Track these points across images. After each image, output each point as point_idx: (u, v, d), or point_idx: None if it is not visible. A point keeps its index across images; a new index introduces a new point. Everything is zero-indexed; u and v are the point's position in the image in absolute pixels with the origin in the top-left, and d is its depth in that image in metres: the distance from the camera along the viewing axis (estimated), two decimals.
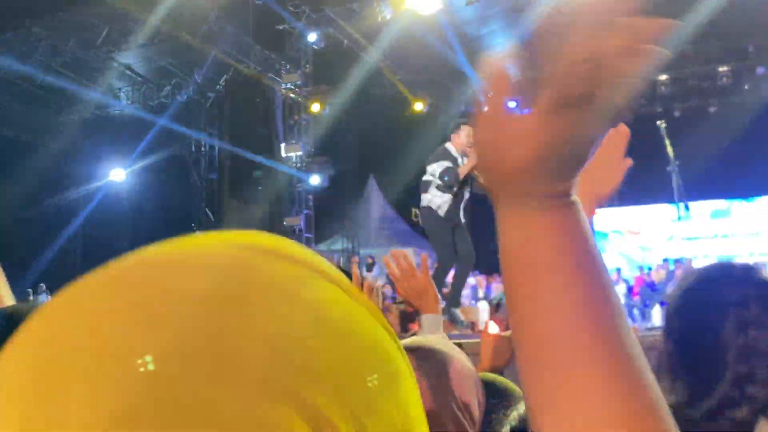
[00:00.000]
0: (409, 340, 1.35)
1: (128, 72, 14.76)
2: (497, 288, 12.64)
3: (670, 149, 5.83)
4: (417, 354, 1.24)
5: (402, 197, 17.87)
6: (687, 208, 5.91)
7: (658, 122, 6.03)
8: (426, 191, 6.50)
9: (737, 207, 17.45)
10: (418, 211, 6.70)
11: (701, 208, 16.93)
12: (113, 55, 14.15)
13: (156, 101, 16.01)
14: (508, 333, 2.08)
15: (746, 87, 16.63)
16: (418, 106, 17.83)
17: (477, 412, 1.22)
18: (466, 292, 15.71)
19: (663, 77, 16.35)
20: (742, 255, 16.31)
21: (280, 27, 15.29)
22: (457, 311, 6.86)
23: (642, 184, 15.08)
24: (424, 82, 17.20)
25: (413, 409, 0.42)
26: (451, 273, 6.67)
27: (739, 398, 1.22)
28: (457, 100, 17.84)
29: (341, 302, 0.42)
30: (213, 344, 0.36)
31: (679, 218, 5.89)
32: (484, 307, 12.95)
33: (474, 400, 1.22)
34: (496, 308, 11.97)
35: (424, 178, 6.57)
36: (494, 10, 14.54)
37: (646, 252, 17.29)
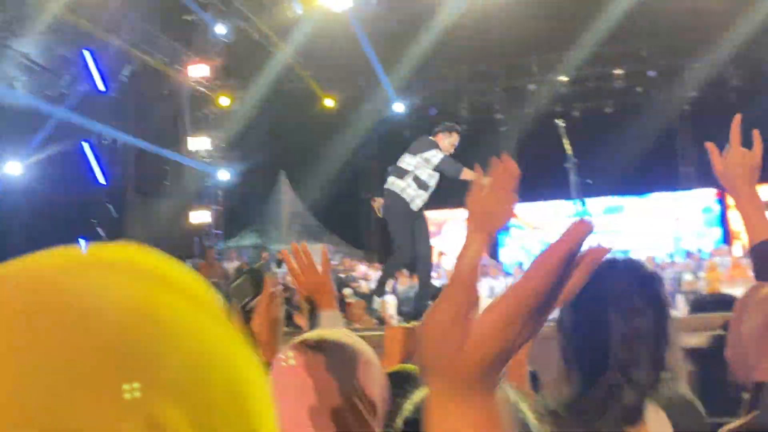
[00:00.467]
0: (314, 333, 1.35)
1: (25, 61, 14.01)
2: (404, 282, 12.90)
3: (568, 147, 6.14)
4: (321, 348, 1.23)
5: (313, 193, 17.87)
6: (584, 203, 6.20)
7: (557, 120, 6.32)
8: (400, 177, 6.24)
9: (630, 203, 18.43)
10: (378, 199, 6.42)
11: (596, 204, 17.86)
12: (8, 42, 13.40)
13: (55, 91, 15.27)
14: (413, 324, 2.18)
15: (639, 90, 17.64)
16: (329, 103, 17.86)
17: (381, 407, 1.21)
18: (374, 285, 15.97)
19: (563, 78, 17.06)
20: (635, 250, 17.30)
21: (188, 17, 14.95)
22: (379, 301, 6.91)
23: (543, 181, 15.82)
24: (335, 79, 17.26)
25: (262, 419, 0.43)
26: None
27: (625, 383, 1.29)
28: (368, 97, 17.98)
29: (188, 314, 0.42)
30: (59, 360, 0.36)
31: (577, 214, 6.17)
32: (391, 301, 13.18)
33: (379, 394, 1.21)
34: (401, 303, 12.19)
35: (403, 165, 6.30)
36: (404, 10, 14.77)
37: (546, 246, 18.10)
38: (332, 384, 1.16)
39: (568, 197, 6.25)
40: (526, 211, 18.65)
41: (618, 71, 17.01)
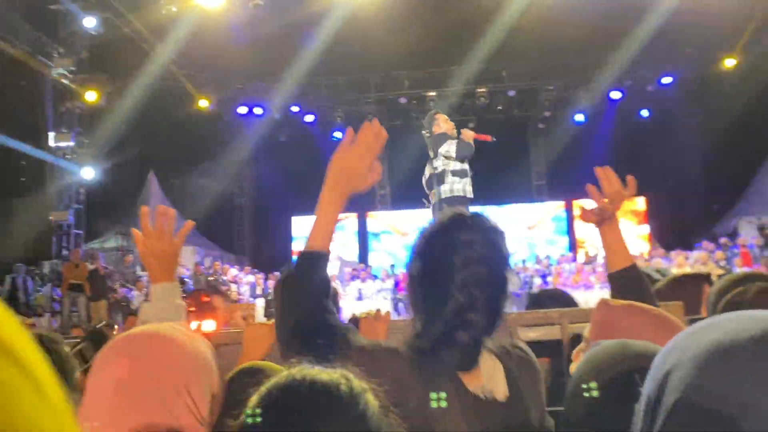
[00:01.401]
0: (142, 328, 1.29)
1: None
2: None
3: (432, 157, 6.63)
4: (142, 341, 1.20)
5: (184, 194, 17.54)
6: (429, 207, 6.60)
7: (423, 132, 6.79)
8: (442, 182, 6.20)
9: (489, 212, 19.56)
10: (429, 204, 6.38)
11: None
12: None
13: None
14: (270, 322, 2.12)
15: (499, 107, 18.82)
16: (203, 103, 17.65)
17: (205, 401, 1.17)
18: (244, 288, 15.95)
19: (431, 93, 17.89)
20: None
21: (54, 7, 14.32)
22: None
23: (411, 190, 16.49)
24: (210, 80, 17.10)
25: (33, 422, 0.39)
26: None
27: (461, 325, 1.34)
28: (244, 100, 17.96)
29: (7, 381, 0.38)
30: None
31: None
32: (261, 304, 13.28)
33: (200, 388, 1.17)
34: (268, 304, 12.27)
35: (436, 171, 6.27)
36: (282, 13, 14.93)
37: None
38: (151, 378, 1.13)
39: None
40: (395, 219, 19.34)
41: (481, 89, 17.97)
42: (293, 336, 1.44)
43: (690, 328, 0.66)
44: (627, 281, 1.87)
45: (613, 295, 1.84)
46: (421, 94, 18.20)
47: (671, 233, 17.62)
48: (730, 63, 15.84)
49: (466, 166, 6.29)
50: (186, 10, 13.01)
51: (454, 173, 6.24)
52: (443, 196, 6.14)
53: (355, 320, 2.48)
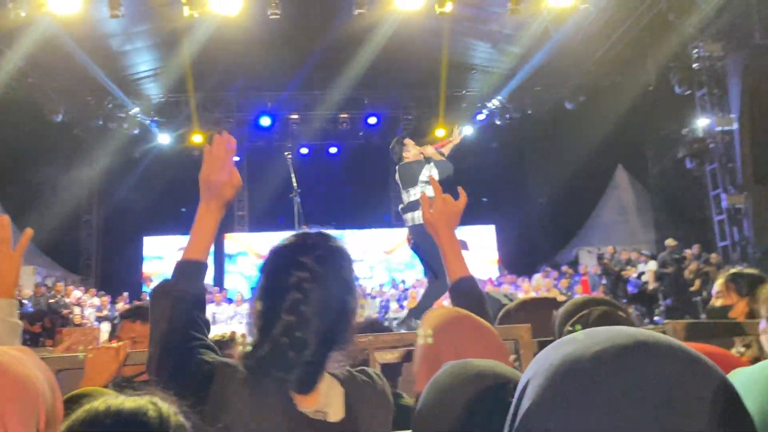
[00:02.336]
0: None
1: None
2: (120, 309, 12.43)
3: (293, 179, 6.63)
4: None
5: (24, 211, 16.21)
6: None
7: (286, 153, 6.78)
8: (415, 210, 5.99)
9: (349, 236, 19.74)
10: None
11: None
12: None
13: None
14: (115, 345, 2.10)
15: (361, 133, 19.18)
16: (53, 116, 16.48)
17: (26, 430, 1.07)
18: (89, 311, 14.96)
19: (294, 116, 17.89)
20: None
21: None
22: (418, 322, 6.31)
23: (270, 211, 16.40)
24: (62, 90, 16.01)
25: None
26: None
27: (289, 344, 1.35)
28: (94, 112, 17.00)
29: None
30: None
31: None
32: (106, 328, 12.57)
33: (18, 416, 1.06)
34: (114, 328, 11.68)
35: (410, 198, 6.07)
36: (140, 29, 14.38)
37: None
38: None
39: (293, 227, 6.66)
40: (253, 241, 19.02)
41: (344, 115, 18.22)
42: (161, 350, 1.42)
43: (553, 343, 0.70)
44: (462, 292, 1.94)
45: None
46: (283, 116, 18.14)
47: (518, 260, 18.66)
48: (573, 103, 17.12)
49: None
50: (36, 16, 12.12)
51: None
52: (414, 222, 6.02)
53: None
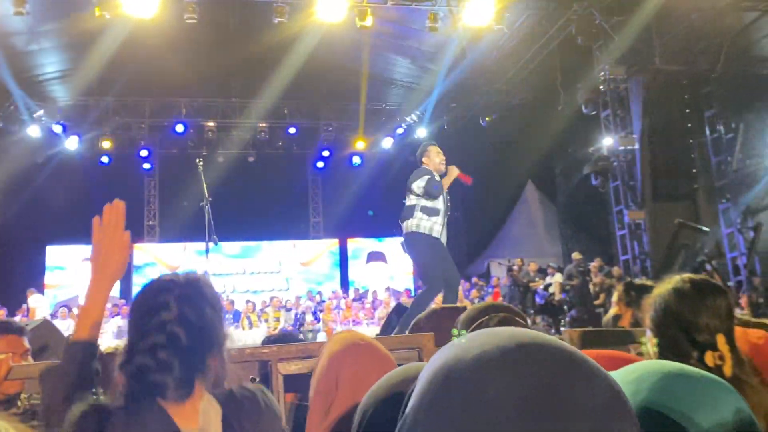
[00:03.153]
0: None
1: None
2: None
3: (205, 187, 6.50)
4: None
5: None
6: (216, 243, 6.48)
7: (197, 160, 6.64)
8: (411, 217, 5.98)
9: (266, 247, 19.53)
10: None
11: (233, 246, 18.58)
12: None
13: None
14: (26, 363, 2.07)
15: (280, 143, 19.03)
16: None
17: None
18: None
19: (210, 123, 17.54)
20: (267, 290, 18.35)
21: None
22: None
23: (181, 221, 15.99)
24: None
25: None
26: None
27: (146, 387, 1.40)
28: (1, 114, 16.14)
29: None
30: None
31: (207, 251, 6.44)
32: None
33: None
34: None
35: (408, 203, 6.06)
36: (47, 28, 13.80)
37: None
38: None
39: (202, 238, 6.50)
40: (163, 252, 18.48)
41: (263, 124, 18.00)
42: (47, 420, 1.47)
43: (441, 349, 0.69)
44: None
45: None
46: (199, 123, 17.75)
47: None
48: (487, 120, 17.58)
49: (440, 205, 6.09)
50: None
51: (424, 209, 6.06)
52: (406, 230, 6.04)
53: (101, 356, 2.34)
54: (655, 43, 13.78)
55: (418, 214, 6.04)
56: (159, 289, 1.49)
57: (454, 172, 6.22)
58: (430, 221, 5.99)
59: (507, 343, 0.62)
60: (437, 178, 6.06)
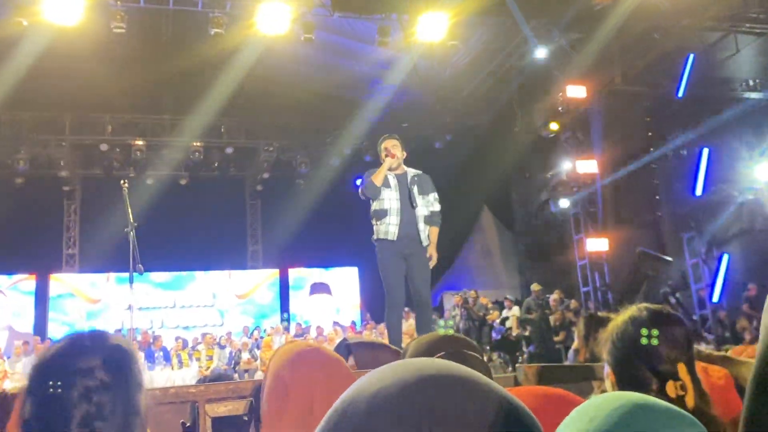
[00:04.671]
0: None
1: None
2: None
3: (129, 212, 6.37)
4: None
5: None
6: (141, 273, 6.32)
7: (122, 182, 6.51)
8: (373, 220, 6.07)
9: (199, 278, 19.19)
10: None
11: (162, 276, 18.23)
12: None
13: None
14: None
15: (216, 164, 18.83)
16: None
17: None
18: None
19: (138, 142, 17.26)
20: (198, 326, 18.02)
21: None
22: None
23: (103, 250, 15.62)
24: None
25: None
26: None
27: None
28: None
29: None
30: None
31: (131, 281, 6.29)
32: None
33: None
34: None
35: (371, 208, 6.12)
36: None
37: (100, 318, 17.36)
38: None
39: (127, 268, 6.34)
40: (82, 283, 17.98)
41: (197, 143, 17.75)
42: None
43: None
44: None
45: None
46: (125, 142, 17.43)
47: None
48: (440, 141, 17.80)
49: (387, 204, 6.00)
50: None
51: (373, 214, 6.08)
52: (375, 236, 6.05)
53: (4, 396, 2.27)
54: (616, 63, 14.21)
55: (372, 221, 6.10)
56: (79, 350, 1.41)
57: (386, 160, 6.15)
58: (383, 224, 5.98)
59: (409, 377, 0.64)
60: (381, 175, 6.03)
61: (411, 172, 6.27)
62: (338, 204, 18.38)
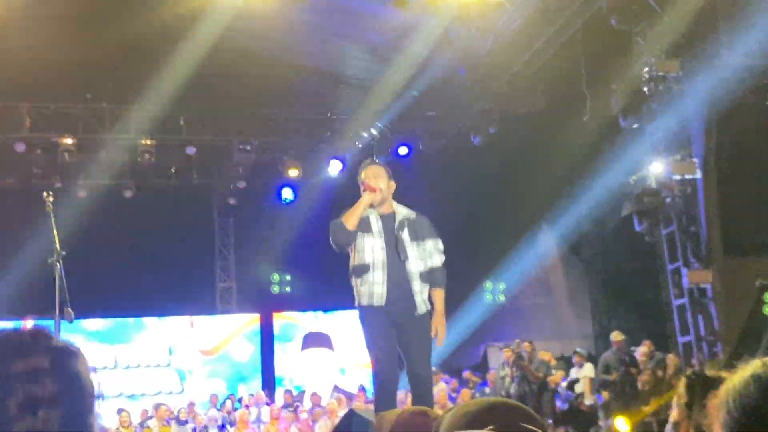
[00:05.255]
0: None
1: None
2: None
3: (55, 235, 6.35)
4: None
5: None
6: (71, 320, 6.29)
7: (45, 194, 6.51)
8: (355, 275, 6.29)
9: (151, 325, 19.18)
10: None
11: (98, 324, 18.25)
12: None
13: None
14: None
15: (173, 169, 18.89)
16: None
17: None
18: None
19: (66, 140, 17.31)
20: (146, 393, 18.07)
21: None
22: None
23: (20, 286, 15.65)
24: None
25: None
26: None
27: None
28: None
29: None
30: None
31: (57, 328, 6.26)
32: None
33: None
34: None
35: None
36: None
37: None
38: None
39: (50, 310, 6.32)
40: None
41: (147, 141, 17.76)
42: None
43: None
44: None
45: None
46: (49, 140, 17.47)
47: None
48: (480, 136, 17.71)
49: (368, 257, 6.12)
50: None
51: (353, 272, 6.24)
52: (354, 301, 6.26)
53: None
54: (721, 28, 14.10)
55: (351, 281, 6.28)
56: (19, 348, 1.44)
57: (363, 195, 6.22)
58: (365, 284, 6.10)
59: None
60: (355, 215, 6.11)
61: (402, 212, 6.33)
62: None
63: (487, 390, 16.02)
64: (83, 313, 7.50)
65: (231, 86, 17.00)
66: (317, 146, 19.00)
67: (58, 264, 6.23)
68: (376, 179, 6.19)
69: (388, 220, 6.20)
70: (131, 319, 19.05)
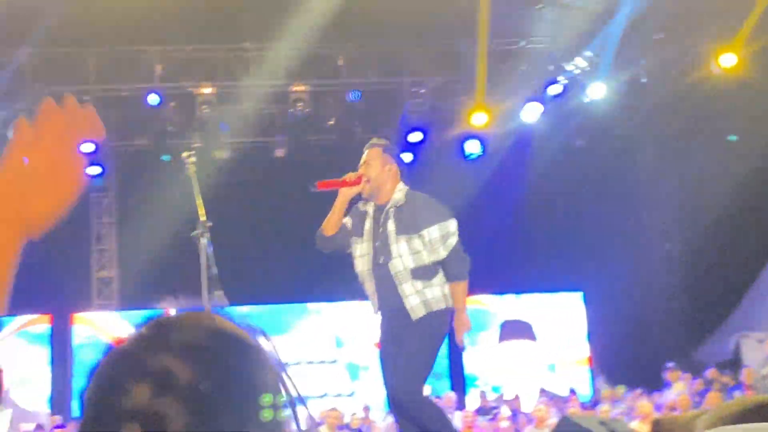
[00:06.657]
0: None
1: None
2: None
3: (200, 203, 6.49)
4: None
5: None
6: (224, 307, 6.41)
7: (185, 154, 6.67)
8: None
9: (316, 311, 19.53)
10: None
11: (253, 312, 18.70)
12: None
13: None
14: None
15: (331, 123, 19.16)
16: None
17: None
18: None
19: (205, 90, 17.80)
20: (312, 395, 18.42)
21: None
22: None
23: (148, 271, 16.14)
24: None
25: None
26: None
27: None
28: None
29: None
30: None
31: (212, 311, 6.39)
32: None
33: None
34: None
35: None
36: None
37: None
38: None
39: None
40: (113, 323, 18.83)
41: (300, 87, 18.05)
42: None
43: None
44: None
45: None
46: (183, 90, 17.94)
47: (624, 357, 18.47)
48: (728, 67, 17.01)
49: (358, 264, 6.49)
50: None
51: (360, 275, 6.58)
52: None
53: None
54: None
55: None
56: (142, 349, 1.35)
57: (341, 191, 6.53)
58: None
59: None
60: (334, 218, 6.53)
61: (395, 198, 6.41)
62: (540, 185, 18.23)
63: (739, 394, 15.59)
64: (236, 298, 7.64)
65: (395, 16, 16.90)
66: (508, 86, 18.75)
67: (203, 238, 6.39)
68: (366, 166, 6.44)
69: (379, 213, 6.36)
70: (290, 305, 19.39)
